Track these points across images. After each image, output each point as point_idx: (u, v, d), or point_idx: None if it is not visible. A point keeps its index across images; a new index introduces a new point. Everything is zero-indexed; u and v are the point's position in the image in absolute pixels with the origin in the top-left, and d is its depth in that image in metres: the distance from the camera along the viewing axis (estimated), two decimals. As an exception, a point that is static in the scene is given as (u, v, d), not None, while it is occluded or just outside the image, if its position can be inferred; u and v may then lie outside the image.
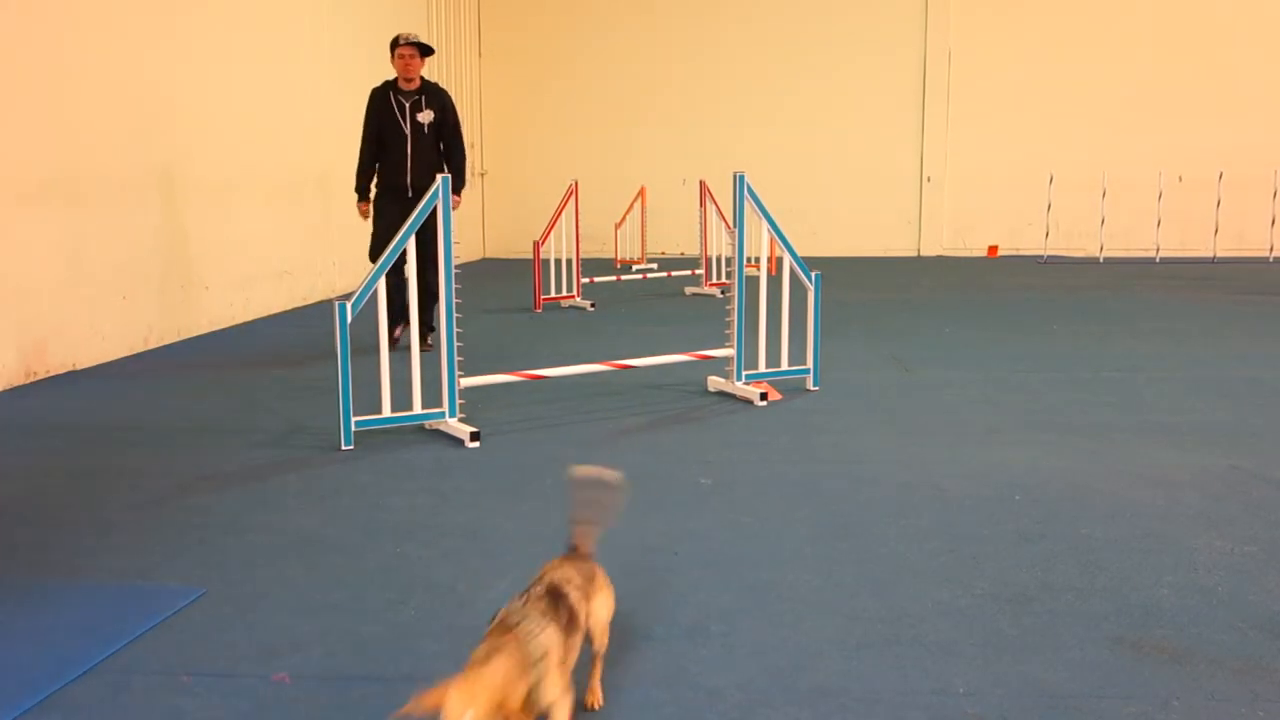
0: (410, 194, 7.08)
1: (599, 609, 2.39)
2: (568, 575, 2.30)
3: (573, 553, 2.46)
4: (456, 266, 4.86)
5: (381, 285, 4.71)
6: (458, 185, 7.08)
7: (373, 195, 7.27)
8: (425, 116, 7.15)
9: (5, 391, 6.10)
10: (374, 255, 7.02)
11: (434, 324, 6.73)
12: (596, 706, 2.40)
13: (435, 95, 7.26)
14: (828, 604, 3.02)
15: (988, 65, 15.44)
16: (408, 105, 7.13)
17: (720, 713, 2.40)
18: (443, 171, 6.38)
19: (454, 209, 5.99)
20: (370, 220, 7.28)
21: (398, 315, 6.60)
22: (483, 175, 16.46)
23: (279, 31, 9.71)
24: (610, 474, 2.60)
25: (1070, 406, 5.56)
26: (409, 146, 7.11)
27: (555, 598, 2.19)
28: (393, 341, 6.50)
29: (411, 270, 4.92)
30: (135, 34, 7.45)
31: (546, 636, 2.06)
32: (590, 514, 2.53)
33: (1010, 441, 4.81)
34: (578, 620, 2.22)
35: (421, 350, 5.71)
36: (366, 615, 2.95)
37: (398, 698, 1.83)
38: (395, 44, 7.17)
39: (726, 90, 15.95)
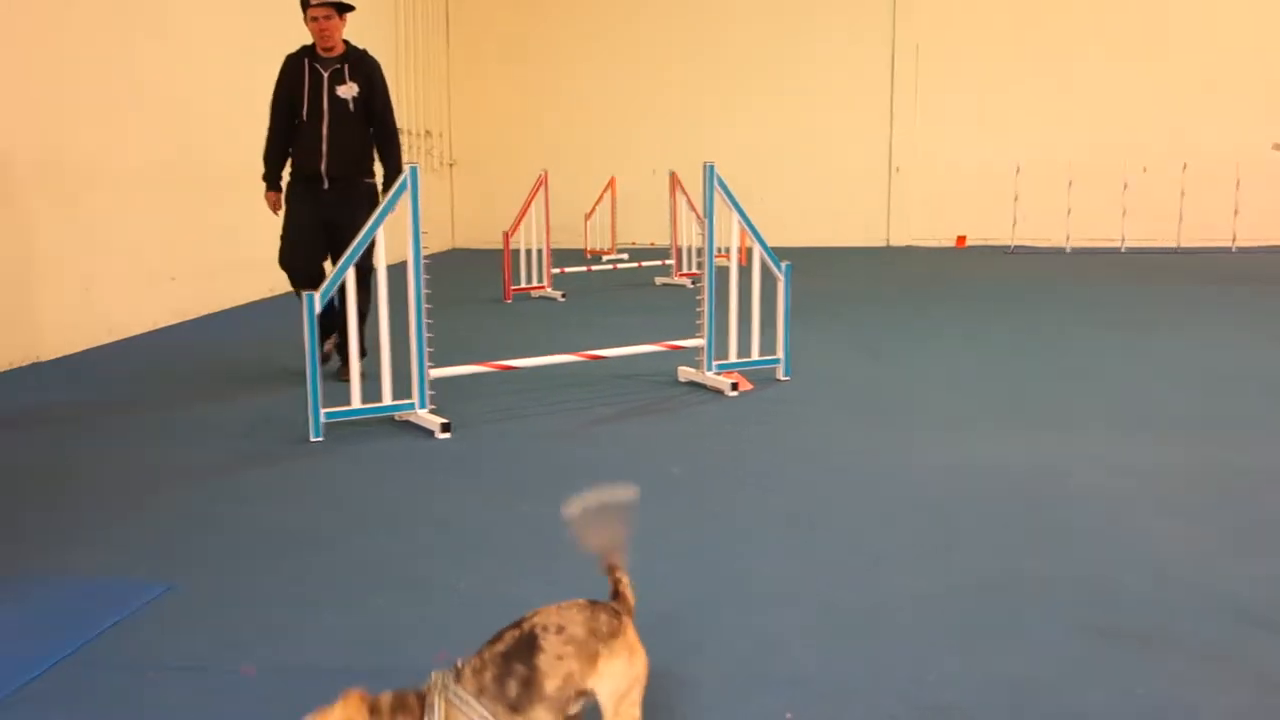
0: (325, 184, 5.88)
1: (610, 677, 1.87)
2: (563, 623, 1.86)
3: (614, 599, 1.99)
4: (425, 257, 4.83)
5: (351, 278, 4.66)
6: (393, 179, 5.59)
7: (284, 185, 6.12)
8: (347, 90, 5.86)
9: (-34, 384, 6.01)
10: (283, 262, 5.98)
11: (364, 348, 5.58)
12: None
13: (361, 65, 5.91)
14: (799, 593, 3.03)
15: (955, 57, 15.52)
16: (326, 75, 5.84)
17: (693, 702, 2.40)
18: (364, 160, 5.95)
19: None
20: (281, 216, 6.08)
21: (330, 325, 5.87)
22: (451, 165, 16.37)
23: (255, 20, 9.59)
24: (616, 494, 2.11)
25: (1039, 395, 5.61)
26: (324, 126, 5.84)
27: (517, 657, 1.81)
28: (324, 356, 5.84)
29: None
30: (126, 27, 7.33)
31: (471, 716, 1.75)
32: (612, 541, 2.07)
33: (980, 431, 4.85)
34: (540, 689, 1.80)
35: (341, 378, 5.44)
36: (337, 607, 2.93)
37: (369, 688, 1.82)
38: (306, 2, 5.82)
39: (696, 81, 15.93)
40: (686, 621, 2.84)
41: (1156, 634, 2.73)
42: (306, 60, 5.87)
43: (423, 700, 1.77)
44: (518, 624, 1.87)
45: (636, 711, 1.90)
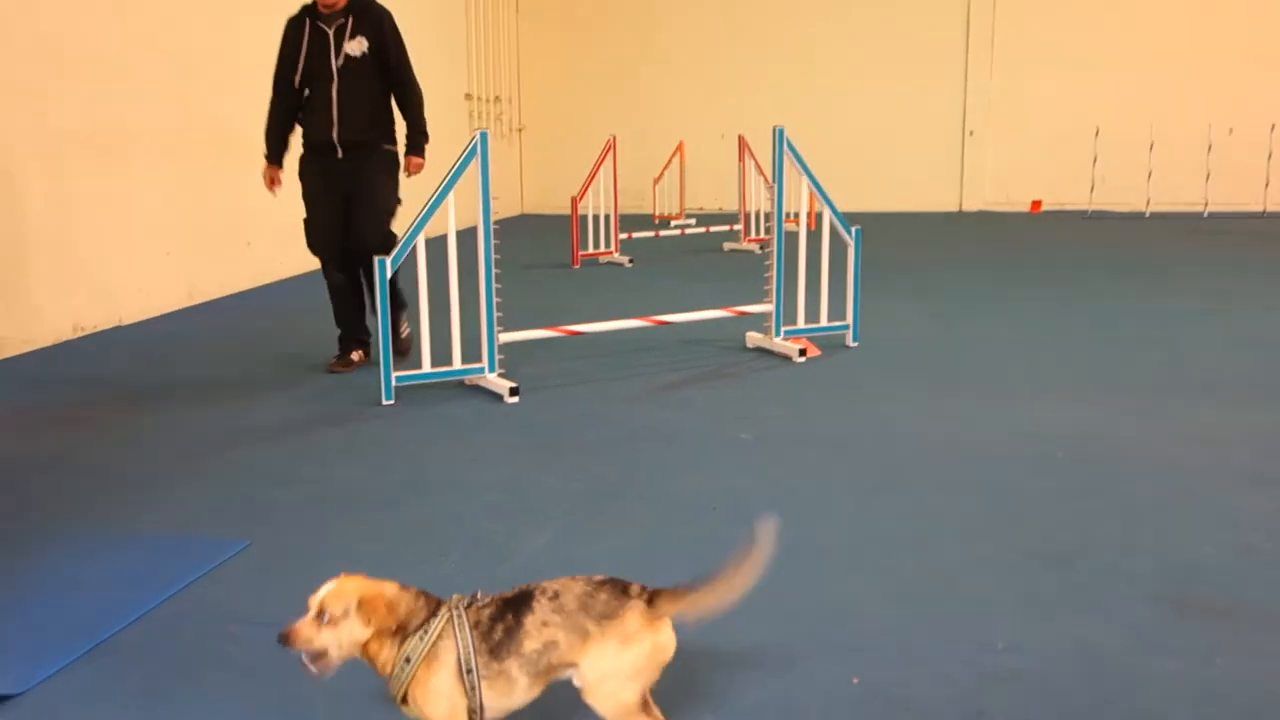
0: (340, 154, 5.32)
1: (596, 658, 1.87)
2: (562, 591, 1.90)
3: (638, 592, 1.93)
4: (494, 223, 4.86)
5: (421, 243, 4.70)
6: (417, 142, 5.47)
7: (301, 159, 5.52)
8: (356, 46, 5.24)
9: (53, 346, 6.20)
10: (310, 245, 5.55)
11: (399, 324, 5.52)
12: None
13: (367, 16, 5.29)
14: (866, 560, 3.02)
15: (1033, 15, 15.10)
16: (330, 33, 5.24)
17: (758, 664, 2.41)
18: (382, 124, 5.39)
19: (414, 172, 5.45)
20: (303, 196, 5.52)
21: (353, 332, 5.56)
22: (520, 131, 16.40)
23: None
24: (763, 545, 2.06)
25: (1114, 363, 5.49)
26: (334, 90, 5.25)
27: (511, 610, 1.89)
28: (348, 364, 5.49)
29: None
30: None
31: (457, 638, 1.85)
32: (717, 588, 1.98)
33: (1052, 398, 4.76)
34: (517, 645, 1.86)
35: (345, 367, 5.37)
36: (407, 567, 2.99)
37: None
38: None
39: (766, 44, 15.73)
40: (755, 586, 2.84)
41: (1237, 606, 2.67)
42: (307, 20, 5.30)
43: (437, 608, 1.89)
44: (531, 584, 1.94)
45: (628, 698, 1.89)
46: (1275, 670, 2.35)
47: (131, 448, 4.21)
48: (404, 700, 1.88)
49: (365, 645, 1.87)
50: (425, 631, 1.86)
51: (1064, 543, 3.10)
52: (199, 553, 3.09)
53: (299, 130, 5.46)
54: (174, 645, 2.56)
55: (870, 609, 2.70)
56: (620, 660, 1.87)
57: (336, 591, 1.86)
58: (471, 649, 1.85)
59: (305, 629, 1.85)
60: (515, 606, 1.89)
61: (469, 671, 1.84)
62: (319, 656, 1.87)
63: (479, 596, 1.94)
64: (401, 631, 1.86)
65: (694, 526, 3.27)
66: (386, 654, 1.87)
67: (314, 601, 1.86)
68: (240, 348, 6.23)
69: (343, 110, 5.28)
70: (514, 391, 4.82)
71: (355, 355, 5.54)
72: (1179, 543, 3.09)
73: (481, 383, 5.02)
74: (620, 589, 1.91)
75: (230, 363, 5.80)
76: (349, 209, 5.36)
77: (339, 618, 1.84)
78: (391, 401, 4.76)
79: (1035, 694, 2.26)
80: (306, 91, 5.36)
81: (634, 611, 1.88)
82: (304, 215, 5.51)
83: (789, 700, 2.25)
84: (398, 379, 4.81)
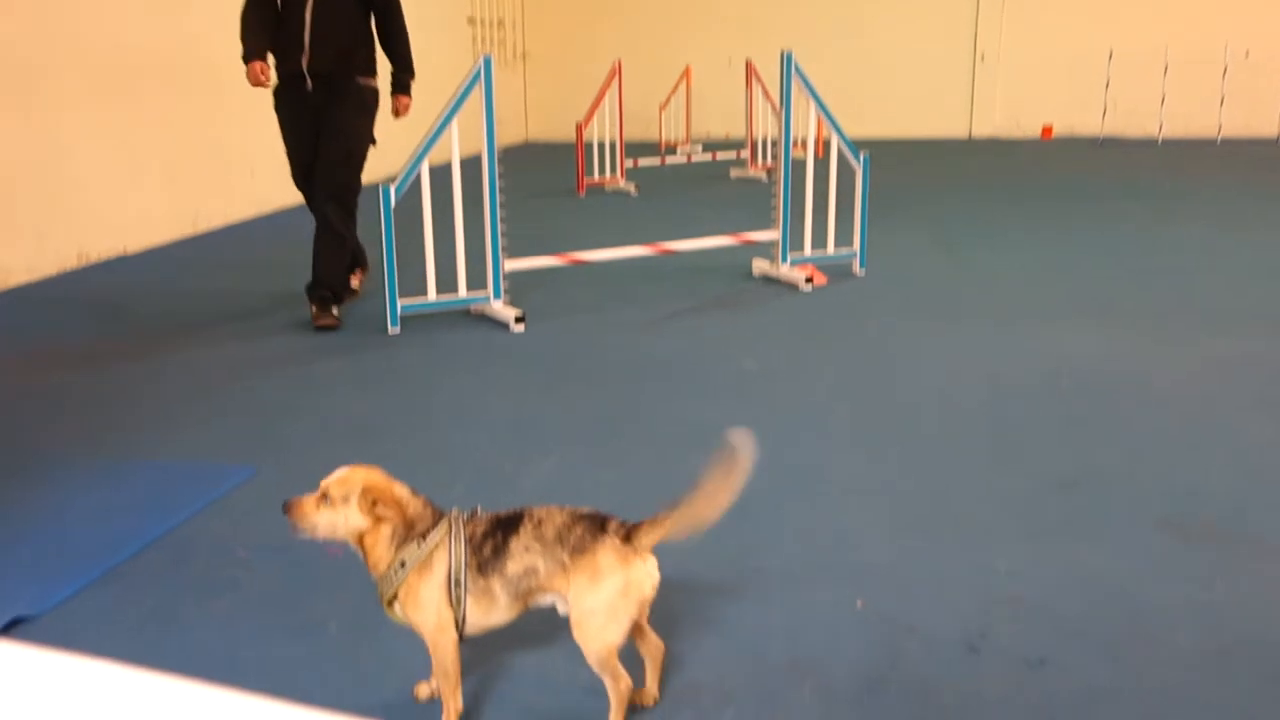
0: (309, 85, 4.86)
1: (575, 590, 1.86)
2: (542, 519, 1.91)
3: (615, 528, 1.90)
4: (499, 150, 4.81)
5: (425, 171, 4.66)
6: (402, 80, 5.09)
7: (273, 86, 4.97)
8: None
9: (58, 275, 6.20)
10: (297, 180, 5.14)
11: (353, 263, 5.28)
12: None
13: None
14: (871, 486, 3.03)
15: (1048, -65, 14.77)
16: None
17: (764, 588, 2.44)
18: (358, 55, 4.94)
19: (402, 114, 5.13)
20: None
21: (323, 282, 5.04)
22: (524, 57, 16.17)
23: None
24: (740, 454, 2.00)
25: (1122, 291, 5.46)
26: (308, 12, 4.76)
27: (501, 530, 1.91)
28: (328, 317, 4.93)
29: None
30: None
31: (451, 550, 1.87)
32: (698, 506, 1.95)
33: (1059, 326, 4.75)
34: (502, 565, 1.88)
35: (326, 319, 4.84)
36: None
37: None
38: None
39: (774, -35, 15.43)
40: (758, 514, 2.86)
41: (1237, 532, 2.69)
42: None
43: (438, 519, 1.93)
44: (527, 507, 1.96)
45: (610, 638, 1.87)
46: (1275, 593, 2.37)
47: (137, 377, 4.23)
48: (390, 603, 1.92)
49: (362, 536, 1.90)
50: (424, 539, 1.89)
51: (1068, 469, 3.11)
52: (208, 480, 3.12)
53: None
54: (185, 570, 2.59)
55: (875, 535, 2.72)
56: (594, 598, 1.85)
57: (344, 478, 1.90)
58: (463, 563, 1.88)
59: (305, 505, 1.90)
60: (505, 527, 1.91)
61: (457, 584, 1.88)
62: (313, 531, 1.92)
63: (479, 512, 1.97)
64: (404, 533, 1.89)
65: (699, 453, 3.28)
66: (381, 552, 1.89)
67: (323, 483, 1.90)
68: (245, 277, 6.22)
69: (315, 37, 4.79)
70: (519, 320, 4.82)
71: (335, 309, 5.00)
72: (1183, 469, 3.10)
73: (487, 311, 5.01)
74: (598, 524, 1.89)
75: (235, 292, 5.80)
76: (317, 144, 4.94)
77: (338, 501, 1.88)
78: (397, 330, 4.76)
79: (1037, 617, 2.28)
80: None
81: (606, 548, 1.86)
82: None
83: (793, 624, 2.28)
84: (403, 308, 4.80)
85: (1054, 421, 3.53)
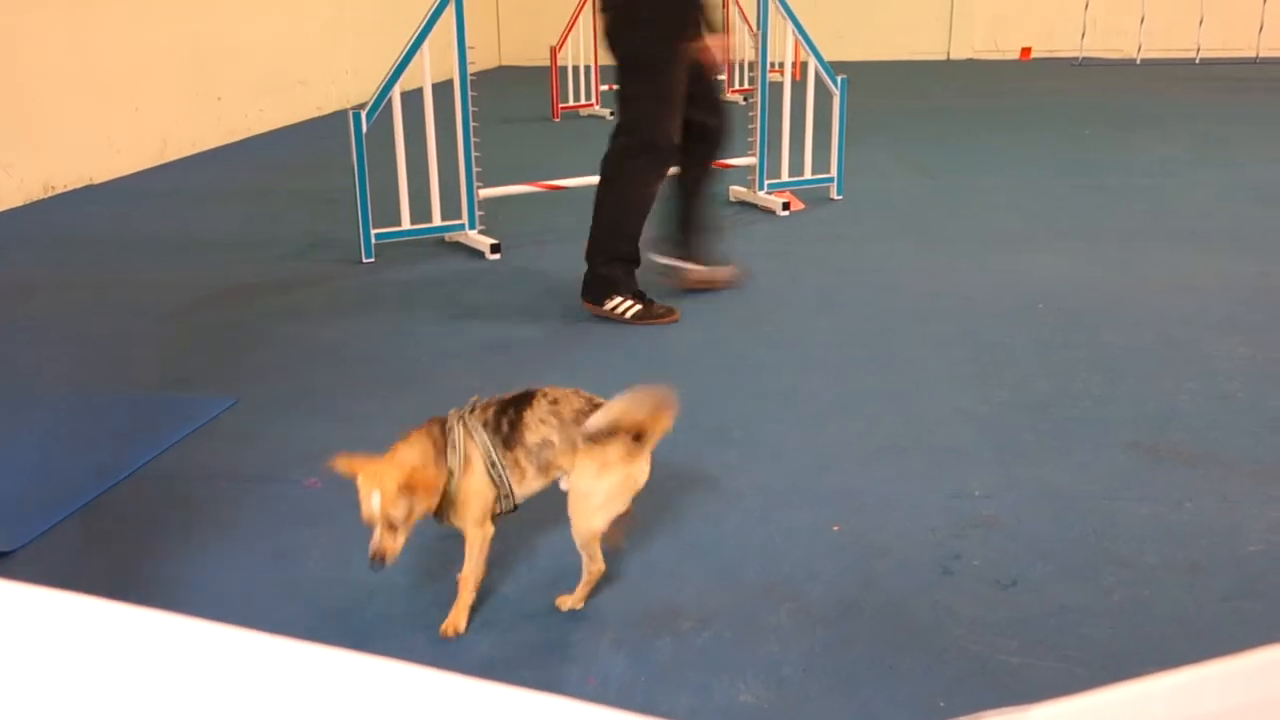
0: None
1: (578, 474, 1.98)
2: (559, 399, 2.00)
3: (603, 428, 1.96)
4: (471, 75, 4.73)
5: (397, 96, 4.58)
6: None
7: None
8: None
9: (24, 206, 6.09)
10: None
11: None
12: (562, 609, 2.08)
13: None
14: (848, 410, 3.06)
15: None
16: None
17: (742, 512, 2.46)
18: None
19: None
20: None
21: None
22: (496, -23, 15.82)
23: None
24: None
25: (1098, 213, 5.47)
26: None
27: (516, 406, 2.00)
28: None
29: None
30: None
31: (477, 439, 1.97)
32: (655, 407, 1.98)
33: (1036, 249, 4.76)
34: (520, 435, 1.98)
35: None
36: (395, 423, 2.98)
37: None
38: None
39: (751, -119, 15.08)
40: (735, 436, 2.88)
41: (1208, 452, 2.73)
42: None
43: (444, 428, 1.99)
44: (538, 386, 2.07)
45: (598, 524, 2.00)
46: (1241, 513, 2.42)
47: (109, 309, 4.18)
48: (439, 514, 1.99)
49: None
50: (452, 446, 1.96)
51: (1042, 392, 3.15)
52: (186, 411, 3.11)
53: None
54: (164, 502, 2.59)
55: (850, 459, 2.75)
56: (596, 485, 1.97)
57: (387, 497, 1.87)
58: (490, 445, 1.97)
59: (388, 543, 1.90)
60: (517, 404, 2.02)
61: (494, 465, 1.98)
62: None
63: (477, 401, 2.05)
64: (436, 455, 1.96)
65: (677, 377, 3.29)
66: (434, 498, 1.95)
67: (373, 515, 1.89)
68: (215, 206, 6.13)
69: None
70: (495, 249, 4.78)
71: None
72: (1155, 391, 3.13)
73: (462, 239, 4.97)
74: (610, 425, 1.98)
75: (205, 221, 5.72)
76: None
77: (405, 517, 1.90)
78: (372, 259, 4.72)
79: (1009, 538, 2.32)
80: None
81: (619, 443, 1.96)
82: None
83: (770, 547, 2.31)
84: (377, 236, 4.75)
85: (1029, 344, 3.55)
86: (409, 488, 1.88)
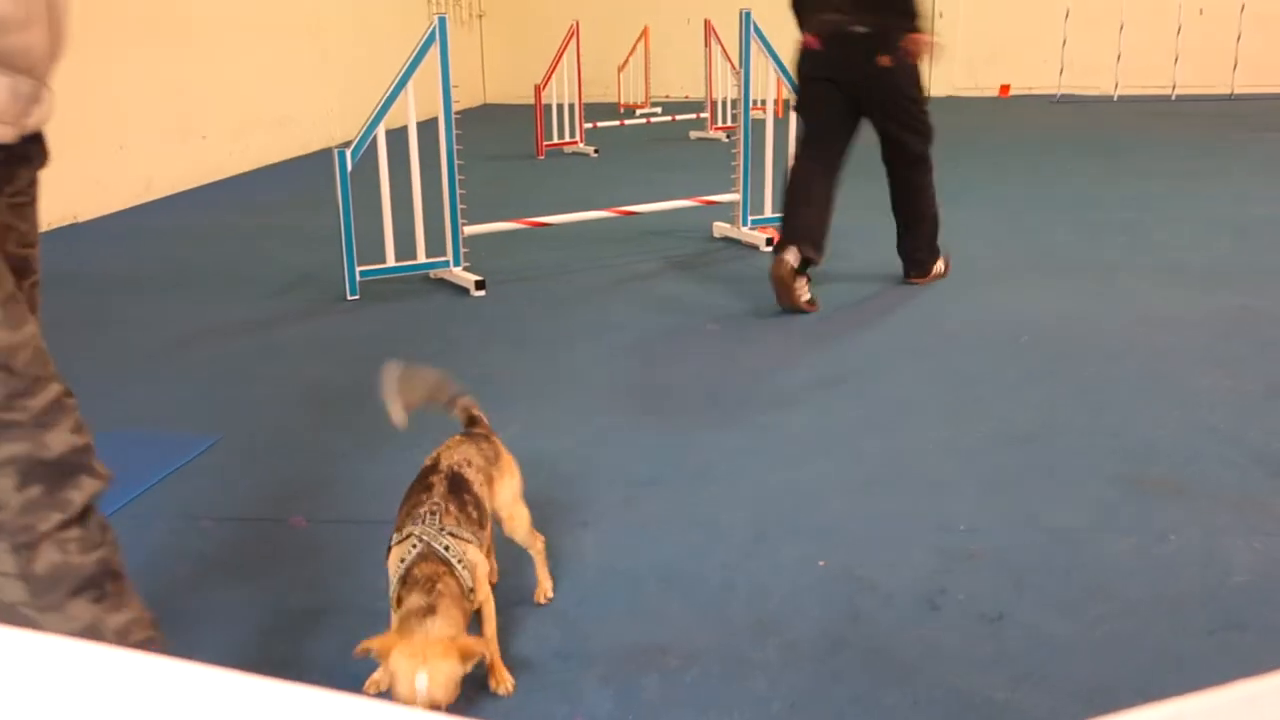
0: None
1: (502, 491, 2.13)
2: (467, 457, 2.08)
3: (473, 426, 2.24)
4: (456, 113, 4.76)
5: (381, 135, 4.60)
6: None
7: None
8: None
9: (8, 245, 6.07)
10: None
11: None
12: (546, 600, 2.23)
13: None
14: (831, 444, 3.06)
15: (1005, -109, 14.73)
16: None
17: (727, 548, 2.46)
18: None
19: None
20: None
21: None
22: (480, 17, 15.96)
23: None
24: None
25: (1080, 247, 5.52)
26: None
27: (459, 490, 1.97)
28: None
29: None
30: None
31: (471, 555, 1.88)
32: (427, 387, 2.35)
33: (1017, 283, 4.80)
34: (484, 509, 2.02)
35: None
36: (378, 460, 3.00)
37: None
38: None
39: (732, -78, 15.28)
40: (719, 474, 2.88)
41: (1192, 484, 2.74)
42: None
43: (437, 555, 1.83)
44: (434, 469, 2.01)
45: (524, 510, 2.20)
46: (1225, 545, 2.43)
47: (93, 346, 4.16)
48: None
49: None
50: (463, 559, 1.84)
51: (1025, 425, 3.16)
52: (170, 448, 3.09)
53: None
54: (147, 540, 2.57)
55: (836, 493, 2.75)
56: (515, 481, 2.19)
57: (436, 682, 1.66)
58: (473, 533, 1.95)
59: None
60: (460, 488, 1.98)
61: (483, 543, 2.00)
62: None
63: (432, 512, 1.90)
64: (461, 596, 1.83)
65: (663, 414, 3.30)
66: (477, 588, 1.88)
67: (416, 699, 1.65)
68: (199, 244, 6.13)
69: None
70: (480, 285, 4.79)
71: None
72: (1138, 424, 3.15)
73: (447, 276, 4.98)
74: (482, 436, 2.20)
75: (190, 259, 5.71)
76: None
77: (451, 696, 1.68)
78: (356, 297, 4.72)
79: (994, 572, 2.32)
80: None
81: (499, 441, 2.22)
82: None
83: (755, 583, 2.30)
84: (361, 274, 4.76)
85: (1012, 377, 3.57)
86: (465, 660, 1.70)
